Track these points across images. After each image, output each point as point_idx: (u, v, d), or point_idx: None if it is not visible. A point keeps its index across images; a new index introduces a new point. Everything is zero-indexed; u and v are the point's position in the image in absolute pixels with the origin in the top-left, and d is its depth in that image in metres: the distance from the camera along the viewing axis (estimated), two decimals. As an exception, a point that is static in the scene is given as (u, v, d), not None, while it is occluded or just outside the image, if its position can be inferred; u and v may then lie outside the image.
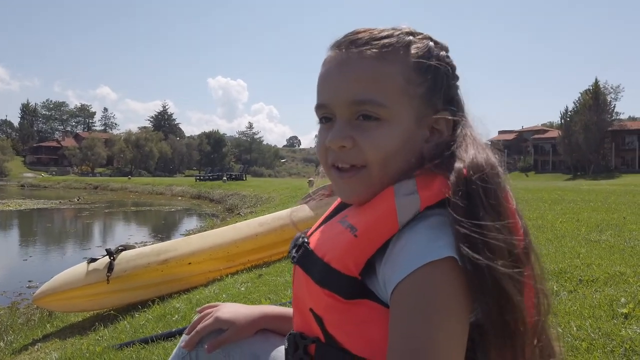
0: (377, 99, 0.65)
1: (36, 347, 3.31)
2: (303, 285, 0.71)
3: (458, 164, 0.62)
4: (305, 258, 0.71)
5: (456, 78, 0.73)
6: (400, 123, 0.66)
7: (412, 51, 0.68)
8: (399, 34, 0.69)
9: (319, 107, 0.71)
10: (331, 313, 0.65)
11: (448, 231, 0.58)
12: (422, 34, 0.72)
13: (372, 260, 0.63)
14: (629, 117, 62.99)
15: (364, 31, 0.70)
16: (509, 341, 0.57)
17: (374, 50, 0.67)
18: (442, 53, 0.71)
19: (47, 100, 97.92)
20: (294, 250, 0.75)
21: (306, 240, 0.74)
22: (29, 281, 5.88)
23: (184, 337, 0.90)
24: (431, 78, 0.68)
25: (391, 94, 0.66)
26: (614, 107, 49.63)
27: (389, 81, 0.66)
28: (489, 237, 0.57)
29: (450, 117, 0.69)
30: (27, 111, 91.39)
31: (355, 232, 0.64)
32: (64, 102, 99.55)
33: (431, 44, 0.71)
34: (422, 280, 0.56)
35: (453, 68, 0.72)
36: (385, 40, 0.68)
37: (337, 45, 0.70)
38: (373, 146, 0.66)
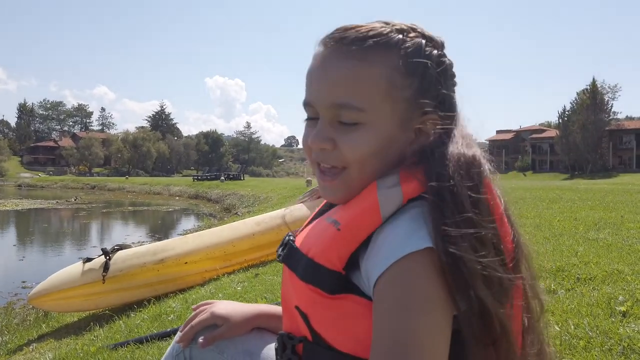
0: (356, 103, 0.64)
1: (31, 347, 3.29)
2: (289, 283, 0.70)
3: (439, 158, 0.62)
4: (290, 255, 0.71)
5: (450, 77, 0.69)
6: (380, 127, 0.65)
7: (400, 52, 0.65)
8: (388, 32, 0.66)
9: (306, 105, 0.70)
10: (316, 309, 0.65)
11: (427, 222, 0.58)
12: (415, 30, 0.68)
13: (356, 255, 0.63)
14: (626, 116, 63.17)
15: (352, 28, 0.67)
16: (488, 339, 0.57)
17: (358, 50, 0.64)
18: (435, 52, 0.67)
19: (44, 100, 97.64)
20: (280, 249, 0.75)
21: (292, 238, 0.74)
22: (23, 282, 5.85)
23: (179, 333, 0.90)
24: (419, 80, 0.65)
25: (372, 98, 0.64)
26: (612, 106, 49.79)
27: (370, 85, 0.64)
28: (464, 230, 0.57)
29: (438, 121, 0.66)
30: (24, 111, 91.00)
31: (338, 226, 0.64)
32: (61, 102, 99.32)
33: (422, 42, 0.67)
34: (402, 272, 0.56)
35: (447, 67, 0.69)
36: (371, 40, 0.65)
37: (324, 42, 0.68)
38: (352, 149, 0.65)
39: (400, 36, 0.66)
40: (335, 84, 0.65)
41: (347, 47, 0.65)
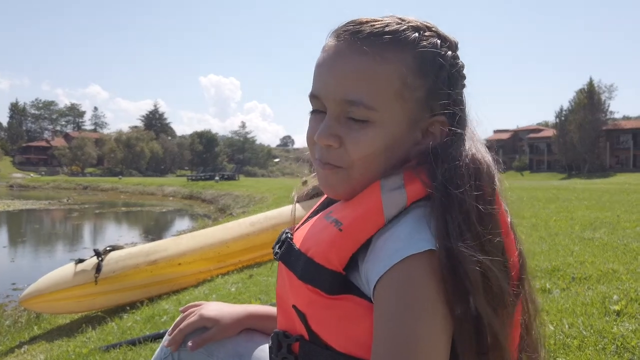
0: (367, 101, 0.62)
1: (23, 349, 3.26)
2: (286, 281, 0.69)
3: (446, 162, 0.61)
4: (288, 254, 0.69)
5: (462, 78, 0.68)
6: (388, 126, 0.64)
7: (415, 51, 0.63)
8: (403, 30, 0.64)
9: (312, 97, 0.68)
10: (314, 309, 0.63)
11: (430, 225, 0.58)
12: (430, 28, 0.67)
13: (356, 256, 0.62)
14: (623, 116, 63.16)
15: (367, 22, 0.65)
16: (479, 349, 0.56)
17: (373, 46, 0.63)
18: (449, 53, 0.66)
19: (36, 99, 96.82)
20: (277, 247, 0.74)
21: (290, 236, 0.72)
22: (13, 283, 5.79)
23: (167, 337, 0.88)
24: (432, 81, 0.64)
25: (383, 97, 0.63)
26: (608, 106, 49.75)
27: (383, 83, 0.62)
28: (468, 234, 0.56)
29: (446, 123, 0.65)
30: (16, 110, 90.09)
31: (340, 226, 0.63)
32: (53, 102, 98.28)
33: (438, 42, 0.65)
34: (402, 274, 0.55)
35: (459, 69, 0.67)
36: (387, 37, 0.63)
37: (337, 35, 0.66)
38: (358, 148, 0.64)
39: (416, 34, 0.65)
40: (347, 79, 0.63)
41: (362, 42, 0.63)
